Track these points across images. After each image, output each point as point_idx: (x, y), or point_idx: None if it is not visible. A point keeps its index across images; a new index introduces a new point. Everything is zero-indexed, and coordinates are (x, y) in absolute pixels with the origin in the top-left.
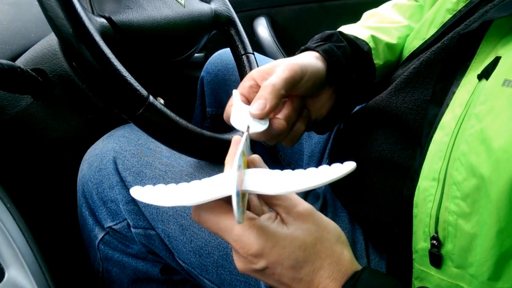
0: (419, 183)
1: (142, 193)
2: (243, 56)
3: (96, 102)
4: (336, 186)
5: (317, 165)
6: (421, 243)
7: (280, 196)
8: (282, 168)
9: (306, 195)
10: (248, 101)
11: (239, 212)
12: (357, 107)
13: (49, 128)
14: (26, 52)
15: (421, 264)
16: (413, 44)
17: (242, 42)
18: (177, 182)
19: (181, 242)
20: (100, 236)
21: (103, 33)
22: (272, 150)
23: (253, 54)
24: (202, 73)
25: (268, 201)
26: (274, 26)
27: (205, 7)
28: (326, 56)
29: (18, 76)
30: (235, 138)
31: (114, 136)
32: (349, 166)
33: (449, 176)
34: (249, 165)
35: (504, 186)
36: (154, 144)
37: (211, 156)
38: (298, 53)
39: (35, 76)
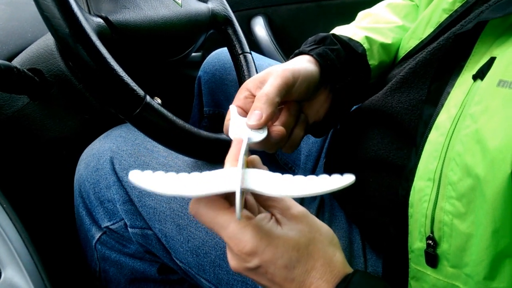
0: (414, 183)
1: (140, 178)
2: (241, 56)
3: (93, 102)
4: None
5: (314, 164)
6: (417, 243)
7: (276, 198)
8: (280, 168)
9: (304, 201)
10: (245, 112)
11: (241, 209)
12: (353, 107)
13: (46, 128)
14: (23, 52)
15: (417, 264)
16: (409, 44)
17: (240, 42)
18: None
19: (178, 241)
20: (97, 236)
21: (100, 33)
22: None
23: (251, 53)
24: (200, 73)
25: (264, 203)
26: (272, 26)
27: (202, 7)
28: (320, 60)
29: (14, 76)
30: (236, 139)
31: (111, 136)
32: (349, 179)
33: (445, 176)
34: (248, 165)
35: (500, 186)
36: (151, 144)
37: (208, 156)
38: (292, 57)
39: (31, 76)
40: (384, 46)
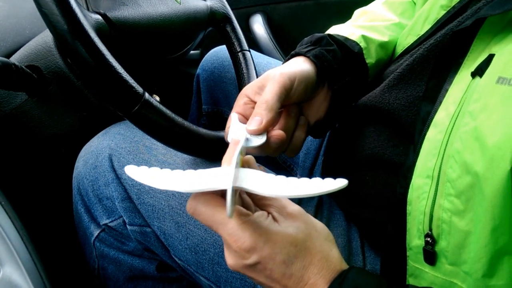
0: (412, 180)
1: (136, 172)
2: (239, 53)
3: (91, 99)
4: None
5: (313, 162)
6: (415, 240)
7: (271, 198)
8: (279, 166)
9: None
10: (246, 118)
11: (232, 206)
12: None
13: (44, 125)
14: (21, 48)
15: (415, 261)
16: (407, 40)
17: (238, 39)
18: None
19: (177, 239)
20: (95, 233)
21: (98, 30)
22: None
23: (249, 51)
24: (198, 70)
25: (260, 202)
26: (270, 23)
27: (201, 4)
28: (317, 61)
29: (12, 73)
30: (233, 140)
31: (109, 133)
32: (341, 182)
33: (443, 173)
34: (244, 165)
35: (499, 183)
36: (150, 141)
37: (207, 154)
38: (288, 59)
39: (29, 73)
40: (381, 44)
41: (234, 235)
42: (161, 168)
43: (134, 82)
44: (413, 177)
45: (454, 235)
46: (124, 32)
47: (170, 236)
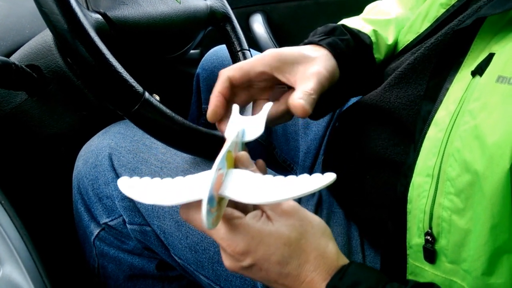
0: (413, 179)
1: (126, 186)
2: (239, 53)
3: (91, 99)
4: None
5: (313, 161)
6: (415, 238)
7: None
8: (278, 165)
9: None
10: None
11: (209, 218)
12: (351, 102)
13: (44, 124)
14: (21, 48)
15: (415, 260)
16: (406, 38)
17: (238, 39)
18: (172, 178)
19: (177, 238)
20: (95, 232)
21: (98, 29)
22: (268, 147)
23: (249, 50)
24: (198, 70)
25: None
26: (270, 23)
27: (201, 3)
28: (330, 49)
29: (12, 72)
30: (227, 136)
31: (109, 132)
32: (329, 177)
33: (443, 172)
34: (236, 163)
35: (498, 181)
36: (150, 140)
37: (207, 153)
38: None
39: (29, 72)
40: (389, 43)
41: (227, 239)
42: (161, 168)
43: (134, 81)
44: (414, 175)
45: (454, 233)
46: (124, 31)
47: (170, 235)
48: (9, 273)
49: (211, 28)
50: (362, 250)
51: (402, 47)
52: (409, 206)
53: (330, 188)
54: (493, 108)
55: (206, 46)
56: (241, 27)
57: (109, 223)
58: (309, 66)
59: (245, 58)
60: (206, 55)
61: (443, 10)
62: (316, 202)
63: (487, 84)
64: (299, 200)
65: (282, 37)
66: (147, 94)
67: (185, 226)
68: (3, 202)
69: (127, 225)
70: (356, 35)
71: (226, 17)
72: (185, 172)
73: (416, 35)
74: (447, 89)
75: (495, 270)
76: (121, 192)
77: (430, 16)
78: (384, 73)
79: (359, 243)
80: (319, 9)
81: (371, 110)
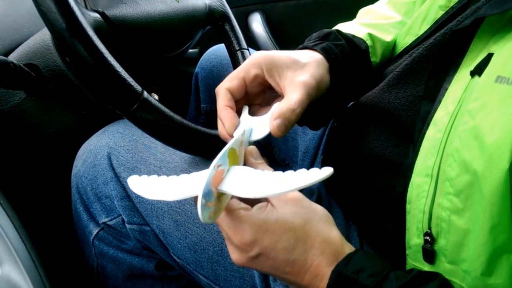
0: (412, 179)
1: (136, 184)
2: (238, 52)
3: (90, 98)
4: (330, 183)
5: (312, 161)
6: (414, 239)
7: None
8: (277, 164)
9: (301, 190)
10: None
11: (205, 212)
12: (350, 103)
13: (43, 124)
14: (19, 47)
15: (414, 260)
16: (405, 40)
17: (237, 38)
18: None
19: (176, 238)
20: (94, 232)
21: (97, 28)
22: (267, 147)
23: (248, 49)
24: (197, 69)
25: None
26: (269, 22)
27: (200, 3)
28: (325, 54)
29: (10, 71)
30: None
31: (108, 131)
32: (326, 171)
33: (442, 172)
34: (247, 156)
35: (497, 181)
36: (149, 139)
37: (206, 152)
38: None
39: (28, 72)
40: (386, 44)
41: (234, 230)
42: (160, 167)
43: (133, 80)
44: (413, 175)
45: (453, 233)
46: (123, 30)
47: (169, 234)
48: (8, 272)
49: (209, 27)
50: None
51: (401, 49)
52: (408, 206)
53: (329, 188)
54: (492, 108)
55: (204, 45)
56: (240, 26)
57: (108, 222)
58: (297, 74)
59: (243, 57)
60: (204, 54)
61: (442, 12)
62: (314, 201)
63: (486, 84)
64: None
65: (281, 36)
66: (145, 94)
67: (184, 226)
68: (1, 201)
69: (126, 224)
70: (351, 41)
71: (224, 16)
72: (184, 172)
73: (415, 38)
74: (446, 89)
75: (495, 271)
76: (120, 192)
77: (429, 18)
78: (383, 75)
79: (358, 244)
80: (318, 8)
81: (370, 111)
